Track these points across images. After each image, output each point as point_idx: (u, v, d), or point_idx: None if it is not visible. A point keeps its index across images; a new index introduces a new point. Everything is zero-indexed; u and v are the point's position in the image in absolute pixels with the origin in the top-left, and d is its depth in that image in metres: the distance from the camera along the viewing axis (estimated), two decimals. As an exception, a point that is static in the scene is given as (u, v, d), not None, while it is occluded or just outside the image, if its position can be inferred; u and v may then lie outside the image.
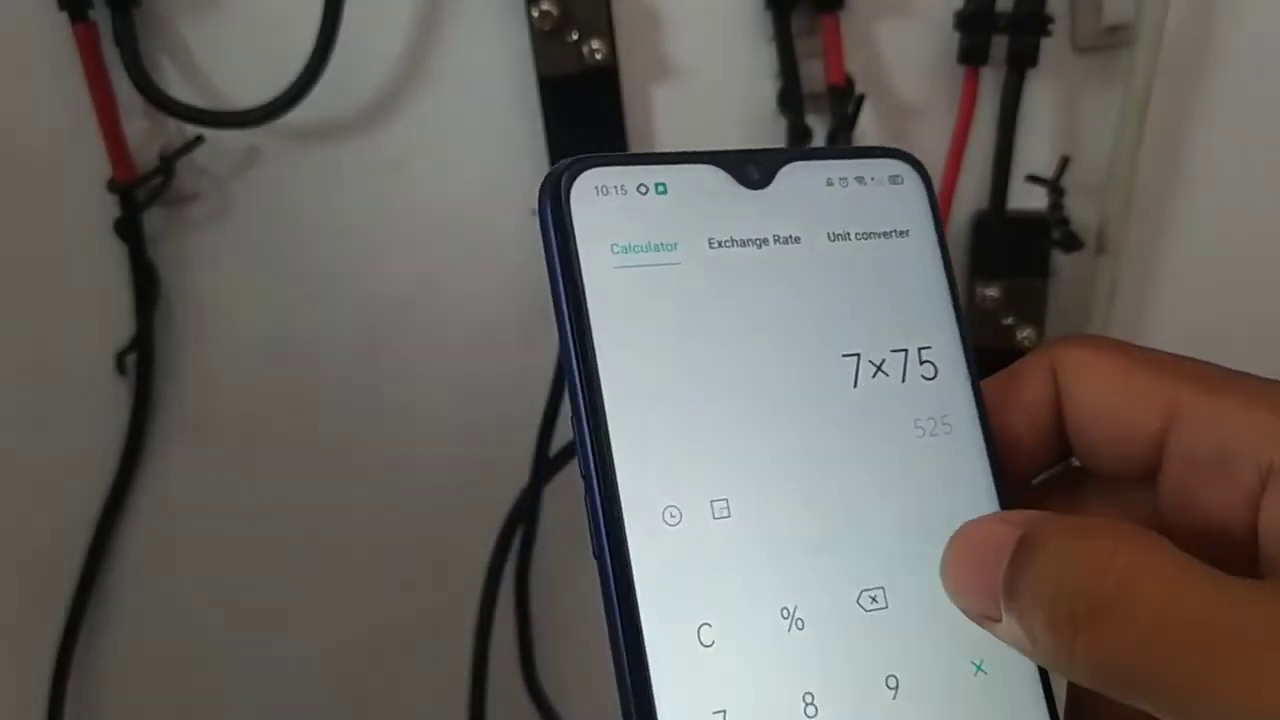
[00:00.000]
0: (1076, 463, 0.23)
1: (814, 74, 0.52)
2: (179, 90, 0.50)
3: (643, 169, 0.21)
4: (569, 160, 0.21)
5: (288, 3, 0.49)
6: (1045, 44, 0.52)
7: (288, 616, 0.60)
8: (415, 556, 0.60)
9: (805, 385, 0.21)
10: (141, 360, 0.54)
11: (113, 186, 0.51)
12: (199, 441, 0.56)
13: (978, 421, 0.22)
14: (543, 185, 0.21)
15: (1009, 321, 0.56)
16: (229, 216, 0.53)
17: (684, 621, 0.19)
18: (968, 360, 0.22)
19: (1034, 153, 0.55)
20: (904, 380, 0.22)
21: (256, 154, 0.52)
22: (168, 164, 0.51)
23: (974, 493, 0.21)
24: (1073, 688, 0.22)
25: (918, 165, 0.23)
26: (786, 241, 0.22)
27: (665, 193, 0.21)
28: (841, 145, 0.23)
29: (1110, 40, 0.54)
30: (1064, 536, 0.18)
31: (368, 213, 0.54)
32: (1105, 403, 0.21)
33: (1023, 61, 0.52)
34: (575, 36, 0.49)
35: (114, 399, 0.54)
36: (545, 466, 0.56)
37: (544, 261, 0.21)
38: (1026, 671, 0.21)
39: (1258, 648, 0.16)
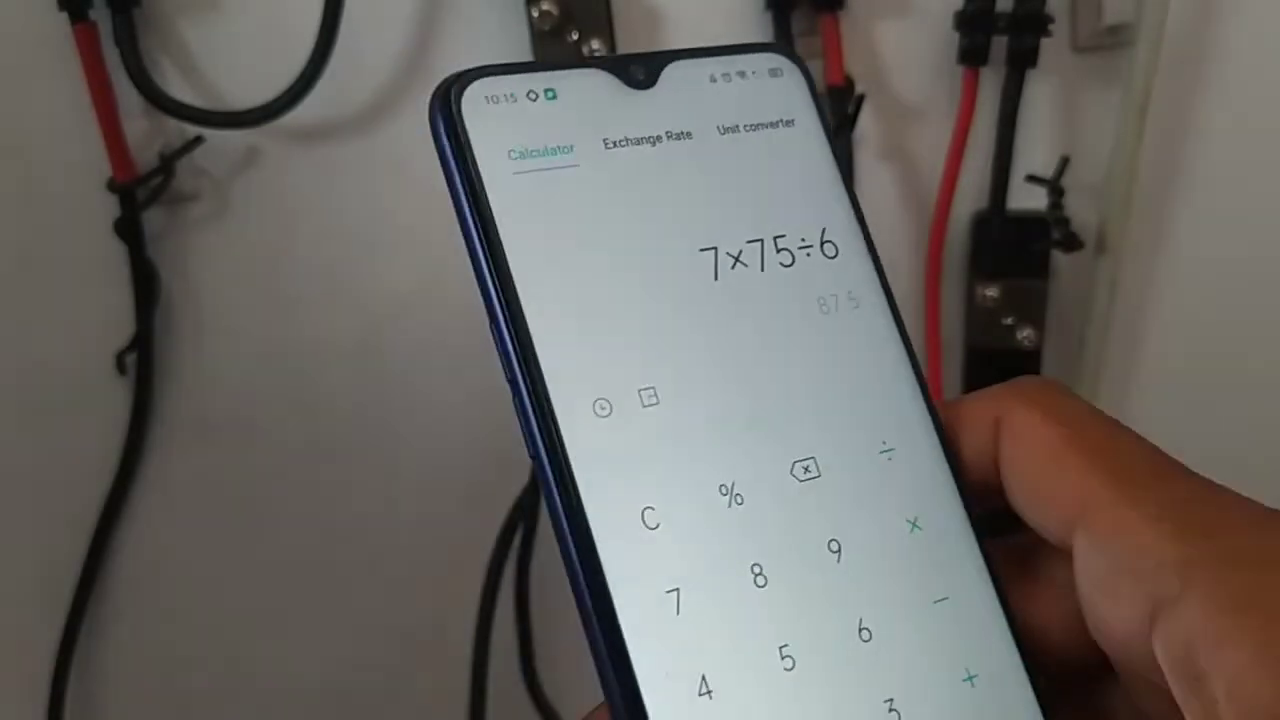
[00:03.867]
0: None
1: (814, 74, 0.52)
2: (179, 90, 0.50)
3: (530, 76, 0.21)
4: (455, 74, 0.21)
5: (288, 3, 0.49)
6: (1045, 44, 0.52)
7: (287, 616, 0.60)
8: (415, 556, 0.60)
9: (710, 273, 0.21)
10: (141, 360, 0.54)
11: (113, 186, 0.51)
12: (199, 441, 0.56)
13: (883, 295, 0.23)
14: (432, 100, 0.21)
15: (1009, 321, 0.56)
16: (229, 216, 0.53)
17: (628, 506, 0.19)
18: (865, 238, 0.23)
19: (1034, 153, 0.55)
20: (808, 259, 0.22)
21: (256, 154, 0.52)
22: (168, 164, 0.51)
23: (886, 362, 0.22)
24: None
25: (794, 58, 0.24)
26: (679, 137, 0.22)
27: (555, 98, 0.21)
28: (716, 45, 0.24)
29: (1110, 40, 0.54)
30: None
31: (367, 213, 0.54)
32: (1031, 479, 0.20)
33: (1023, 61, 0.52)
34: (575, 36, 0.49)
35: (114, 399, 0.54)
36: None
37: (442, 177, 0.21)
38: (959, 526, 0.21)
39: None
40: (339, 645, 0.61)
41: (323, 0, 0.47)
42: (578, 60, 0.22)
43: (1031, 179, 0.55)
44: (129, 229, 0.51)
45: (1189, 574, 0.17)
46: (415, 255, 0.55)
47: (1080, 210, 0.55)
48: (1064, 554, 0.20)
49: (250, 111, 0.49)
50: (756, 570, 0.20)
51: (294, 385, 0.56)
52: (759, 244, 0.22)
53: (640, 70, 0.22)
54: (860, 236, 0.23)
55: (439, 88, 0.21)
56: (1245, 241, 0.59)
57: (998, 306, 0.56)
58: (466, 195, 0.20)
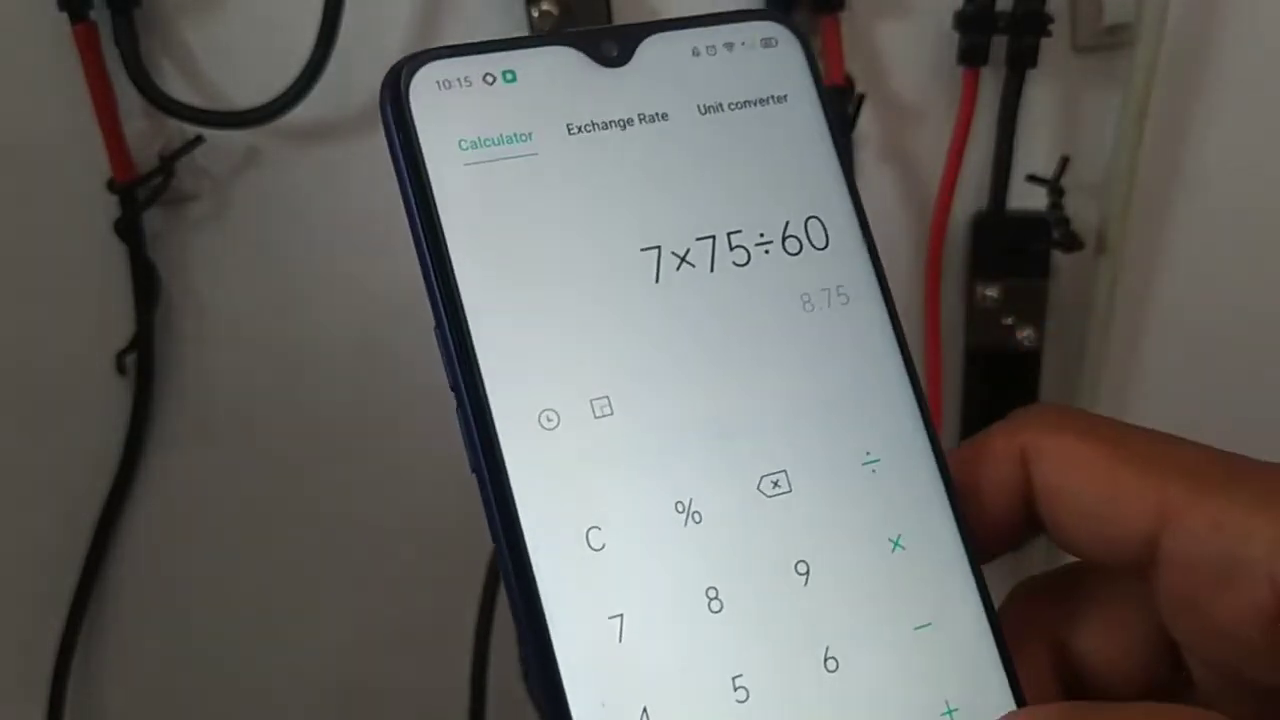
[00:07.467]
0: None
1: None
2: (179, 90, 0.50)
3: (489, 57, 0.19)
4: (407, 56, 0.19)
5: (288, 3, 0.49)
6: (1045, 44, 0.52)
7: (287, 616, 0.60)
8: (415, 556, 0.60)
9: (679, 268, 0.20)
10: (141, 360, 0.54)
11: (113, 186, 0.51)
12: (199, 441, 0.56)
13: (877, 290, 0.21)
14: (382, 85, 0.19)
15: (1009, 321, 0.56)
16: (229, 216, 0.53)
17: (570, 526, 0.18)
18: (862, 227, 0.21)
19: (1034, 153, 0.55)
20: (790, 252, 0.20)
21: (256, 154, 0.52)
22: (168, 164, 0.50)
23: (877, 364, 0.20)
24: None
25: (791, 26, 0.21)
26: (653, 119, 0.20)
27: (515, 80, 0.20)
28: (701, 14, 0.22)
29: (1110, 40, 0.54)
30: None
31: (367, 213, 0.54)
32: (1088, 502, 0.19)
33: (1023, 62, 0.52)
34: (575, 36, 0.49)
35: (114, 399, 0.54)
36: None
37: (390, 168, 0.19)
38: (949, 544, 0.20)
39: None
40: (339, 645, 0.61)
41: (323, 0, 0.47)
42: (544, 36, 0.20)
43: (1031, 179, 0.55)
44: (129, 229, 0.51)
45: None
46: (415, 255, 0.55)
47: (1080, 210, 0.55)
48: (1111, 576, 0.20)
49: (250, 111, 0.49)
50: (712, 594, 0.18)
51: (294, 385, 0.56)
52: (734, 236, 0.20)
53: (613, 46, 0.20)
54: (855, 225, 0.21)
55: (390, 72, 0.19)
56: (1245, 241, 0.59)
57: (998, 306, 0.56)
58: (413, 189, 0.19)
